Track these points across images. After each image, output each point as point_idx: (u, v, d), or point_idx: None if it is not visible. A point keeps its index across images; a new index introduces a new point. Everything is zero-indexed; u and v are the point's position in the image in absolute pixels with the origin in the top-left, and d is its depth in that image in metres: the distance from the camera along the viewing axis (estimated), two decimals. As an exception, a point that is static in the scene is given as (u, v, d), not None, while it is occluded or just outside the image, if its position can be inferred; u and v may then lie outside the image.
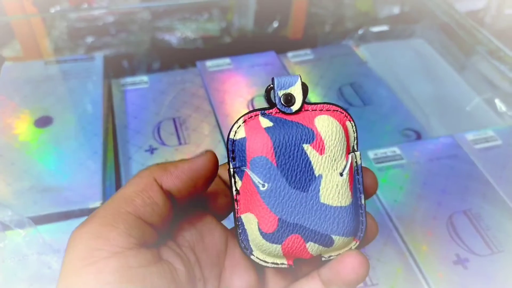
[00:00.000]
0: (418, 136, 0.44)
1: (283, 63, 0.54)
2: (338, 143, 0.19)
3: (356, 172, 0.20)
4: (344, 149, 0.19)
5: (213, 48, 0.72)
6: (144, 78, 0.50)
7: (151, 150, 0.42)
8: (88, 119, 0.41)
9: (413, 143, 0.42)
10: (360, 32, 0.58)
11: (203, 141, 0.43)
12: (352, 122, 0.20)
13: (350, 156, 0.19)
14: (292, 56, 0.55)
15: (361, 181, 0.20)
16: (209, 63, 0.53)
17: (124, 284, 0.15)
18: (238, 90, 0.50)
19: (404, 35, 0.60)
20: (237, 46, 0.71)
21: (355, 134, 0.20)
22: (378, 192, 0.37)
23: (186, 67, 0.56)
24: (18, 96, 0.43)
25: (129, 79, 0.50)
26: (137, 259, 0.15)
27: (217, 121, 0.46)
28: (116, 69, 0.58)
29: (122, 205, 0.17)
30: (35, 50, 0.62)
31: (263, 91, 0.50)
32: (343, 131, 0.19)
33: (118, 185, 0.39)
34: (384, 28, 0.57)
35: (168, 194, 0.18)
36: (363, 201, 0.20)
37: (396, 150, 0.40)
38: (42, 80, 0.45)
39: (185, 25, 0.77)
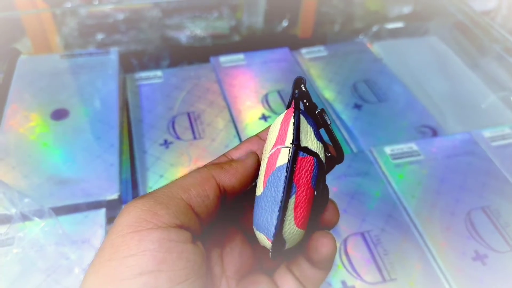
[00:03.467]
0: (434, 133, 0.44)
1: (296, 60, 0.54)
2: (270, 135, 0.20)
3: (288, 165, 0.18)
4: (272, 141, 0.19)
5: (222, 46, 0.72)
6: (158, 73, 0.50)
7: (166, 144, 0.42)
8: (104, 112, 0.41)
9: (430, 139, 0.41)
10: (374, 29, 0.58)
11: (218, 135, 0.43)
12: (296, 117, 0.19)
13: (276, 148, 0.19)
14: (305, 53, 0.55)
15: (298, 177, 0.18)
16: (222, 58, 0.53)
17: (161, 253, 0.16)
18: (252, 86, 0.49)
19: (418, 33, 0.60)
20: (247, 44, 0.71)
21: (309, 128, 0.19)
22: (395, 187, 0.36)
23: (197, 63, 0.56)
24: (33, 89, 0.43)
25: (143, 74, 0.50)
26: (177, 235, 0.16)
27: (231, 116, 0.46)
28: (125, 66, 0.59)
29: (178, 191, 0.18)
30: (45, 46, 0.62)
31: (276, 87, 0.50)
32: (278, 124, 0.19)
33: (133, 179, 0.39)
34: (399, 25, 0.57)
35: (222, 191, 0.19)
36: (280, 198, 0.18)
37: (413, 146, 0.40)
38: (58, 73, 0.45)
39: (195, 23, 0.77)
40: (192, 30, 0.76)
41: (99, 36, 0.71)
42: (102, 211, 0.33)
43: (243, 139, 0.43)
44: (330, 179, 0.37)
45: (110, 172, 0.36)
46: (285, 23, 0.76)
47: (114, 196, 0.34)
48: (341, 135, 0.44)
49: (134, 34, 0.75)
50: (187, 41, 0.76)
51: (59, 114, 0.41)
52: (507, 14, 0.71)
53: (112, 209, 0.34)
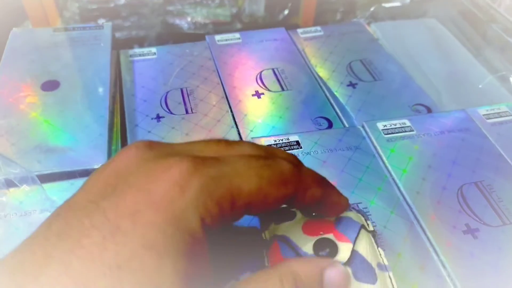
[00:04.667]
0: (429, 112, 0.43)
1: (292, 39, 0.53)
2: None
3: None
4: None
5: (223, 33, 0.71)
6: (153, 49, 0.50)
7: (158, 118, 0.41)
8: (95, 84, 0.41)
9: (424, 115, 0.41)
10: (372, 9, 0.57)
11: (210, 110, 0.43)
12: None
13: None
14: (302, 32, 0.54)
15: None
16: (218, 37, 0.53)
17: None
18: (246, 63, 0.49)
19: (417, 14, 0.59)
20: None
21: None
22: (386, 161, 0.36)
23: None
24: (25, 61, 0.43)
25: (137, 50, 0.50)
26: None
27: (224, 92, 0.45)
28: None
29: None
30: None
31: (271, 65, 0.49)
32: None
33: (123, 150, 0.39)
34: (396, 3, 0.56)
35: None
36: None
37: (406, 122, 0.39)
38: (50, 46, 0.45)
39: (196, 10, 0.77)
40: (193, 17, 0.76)
41: (101, 21, 0.71)
42: (89, 179, 0.33)
43: (235, 114, 0.42)
44: (321, 152, 0.36)
45: (98, 142, 0.36)
46: (286, 12, 0.75)
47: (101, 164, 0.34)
48: (335, 112, 0.43)
49: (135, 20, 0.74)
50: (188, 27, 0.76)
51: (50, 85, 0.40)
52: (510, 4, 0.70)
53: (99, 178, 0.34)
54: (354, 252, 0.21)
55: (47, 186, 0.32)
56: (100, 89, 0.40)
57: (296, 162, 0.21)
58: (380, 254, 0.23)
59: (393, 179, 0.35)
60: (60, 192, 0.32)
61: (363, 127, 0.39)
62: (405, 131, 0.38)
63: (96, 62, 0.43)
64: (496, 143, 0.38)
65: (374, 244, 0.23)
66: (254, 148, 0.20)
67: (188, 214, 0.15)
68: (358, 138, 0.38)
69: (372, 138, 0.38)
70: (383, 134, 0.38)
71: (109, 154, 0.36)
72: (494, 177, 0.35)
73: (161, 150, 0.18)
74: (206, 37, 0.53)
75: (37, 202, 0.31)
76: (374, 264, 0.22)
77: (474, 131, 0.39)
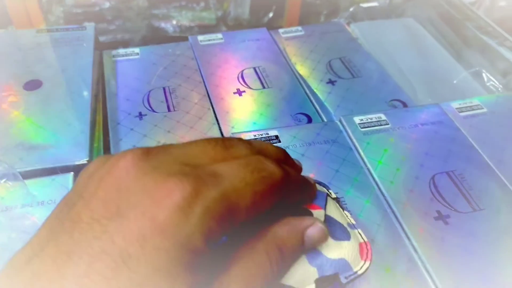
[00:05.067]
0: (405, 107, 0.44)
1: (274, 39, 0.54)
2: None
3: None
4: None
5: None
6: (136, 49, 0.51)
7: (140, 116, 0.42)
8: (77, 84, 0.41)
9: (399, 110, 0.42)
10: (351, 9, 0.59)
11: (192, 108, 0.44)
12: None
13: None
14: (283, 32, 0.55)
15: None
16: (201, 37, 0.53)
17: None
18: (228, 63, 0.50)
19: (395, 14, 0.60)
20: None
21: None
22: (362, 153, 0.37)
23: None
24: (8, 61, 0.43)
25: (120, 51, 0.50)
26: None
27: (206, 90, 0.46)
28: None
29: None
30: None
31: (253, 64, 0.50)
32: None
33: (105, 147, 0.40)
34: (374, 3, 0.58)
35: None
36: None
37: (382, 116, 0.40)
38: (33, 47, 0.45)
39: (182, 14, 0.78)
40: (179, 20, 0.76)
41: (86, 25, 0.71)
42: (70, 175, 0.33)
43: (217, 112, 0.43)
44: (299, 146, 0.37)
45: (80, 139, 0.36)
46: (271, 15, 0.77)
47: (83, 161, 0.35)
48: (314, 108, 0.44)
49: (120, 23, 0.75)
50: (173, 30, 0.77)
51: (32, 85, 0.41)
52: (490, 5, 0.72)
53: (81, 174, 0.35)
54: (327, 217, 0.24)
55: (29, 182, 0.33)
56: (82, 88, 0.41)
57: (284, 158, 0.23)
58: (347, 216, 0.26)
59: (369, 170, 0.36)
60: (41, 188, 0.32)
61: (340, 121, 0.40)
62: (381, 125, 0.40)
63: (78, 62, 0.44)
64: (468, 135, 0.39)
65: (340, 208, 0.26)
66: (248, 148, 0.21)
67: (194, 237, 0.16)
68: (335, 132, 0.39)
69: (349, 132, 0.39)
70: (359, 128, 0.39)
71: (91, 151, 0.36)
72: (465, 167, 0.36)
73: (158, 159, 0.18)
74: (189, 37, 0.54)
75: (19, 198, 0.31)
76: (345, 224, 0.24)
77: (447, 124, 0.40)
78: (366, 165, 0.36)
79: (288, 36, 0.55)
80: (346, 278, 0.23)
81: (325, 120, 0.43)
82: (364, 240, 0.24)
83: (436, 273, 0.29)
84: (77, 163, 0.35)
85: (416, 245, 0.30)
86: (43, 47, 0.45)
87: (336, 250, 0.23)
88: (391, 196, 0.33)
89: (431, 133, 0.39)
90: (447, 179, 0.35)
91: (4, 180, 0.31)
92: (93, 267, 0.15)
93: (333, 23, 0.59)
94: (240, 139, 0.21)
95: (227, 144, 0.20)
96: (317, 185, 0.26)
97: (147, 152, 0.18)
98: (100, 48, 0.50)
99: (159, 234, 0.15)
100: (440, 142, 0.38)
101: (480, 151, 0.38)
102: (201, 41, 0.53)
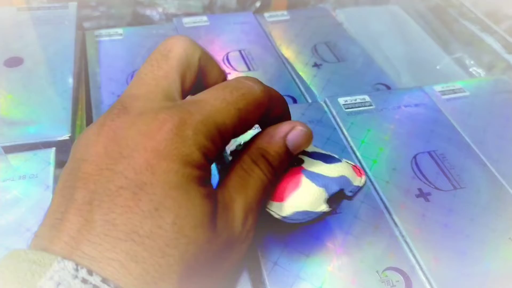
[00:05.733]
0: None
1: (259, 22, 0.54)
2: None
3: None
4: None
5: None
6: (119, 30, 0.50)
7: (124, 96, 0.42)
8: (59, 61, 0.41)
9: (383, 92, 0.43)
10: (336, -5, 0.59)
11: (177, 89, 0.43)
12: None
13: None
14: (268, 16, 0.55)
15: None
16: (186, 19, 0.53)
17: None
18: (213, 45, 0.50)
19: (381, 1, 0.61)
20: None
21: None
22: (346, 133, 0.37)
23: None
24: (-12, 39, 0.42)
25: (103, 31, 0.50)
26: None
27: (191, 71, 0.46)
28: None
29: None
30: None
31: (238, 47, 0.50)
32: None
33: (88, 125, 0.39)
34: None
35: None
36: None
37: (366, 97, 0.41)
38: (14, 25, 0.44)
39: (167, 1, 0.77)
40: (165, 8, 0.75)
41: (68, 4, 0.70)
42: (52, 150, 0.33)
43: (202, 93, 0.43)
44: (284, 125, 0.37)
45: (62, 115, 0.36)
46: (258, 4, 0.76)
47: (65, 137, 0.34)
48: (299, 90, 0.44)
49: (104, 10, 0.74)
50: (159, 18, 0.76)
51: (13, 62, 0.40)
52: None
53: (63, 151, 0.34)
54: (314, 152, 0.28)
55: (10, 156, 0.32)
56: (64, 66, 0.40)
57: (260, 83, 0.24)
58: (332, 154, 0.29)
59: (352, 149, 0.36)
60: (23, 162, 0.32)
61: (325, 102, 0.40)
62: (365, 106, 0.40)
63: (60, 40, 0.43)
64: (450, 117, 0.40)
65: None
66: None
67: (193, 154, 0.17)
68: (320, 112, 0.39)
69: (334, 112, 0.39)
70: (343, 109, 0.39)
71: (73, 128, 0.36)
72: (446, 147, 0.37)
73: (138, 107, 0.19)
74: (174, 19, 0.53)
75: (0, 172, 0.31)
76: (335, 155, 0.28)
77: (429, 106, 0.40)
78: (349, 144, 0.36)
79: (274, 20, 0.55)
80: (351, 192, 0.27)
81: (309, 101, 0.43)
82: (352, 164, 0.28)
83: (416, 247, 0.29)
84: (59, 138, 0.34)
85: (397, 220, 0.31)
86: (24, 24, 0.44)
87: (334, 170, 0.26)
88: (374, 174, 0.34)
89: (414, 114, 0.39)
90: (428, 158, 0.36)
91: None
92: (116, 203, 0.16)
93: (319, 8, 0.59)
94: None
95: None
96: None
97: (124, 107, 0.19)
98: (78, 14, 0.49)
99: (164, 159, 0.17)
100: (422, 123, 0.39)
101: (461, 132, 0.38)
102: (185, 23, 0.53)
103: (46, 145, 0.33)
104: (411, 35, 0.55)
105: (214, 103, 0.19)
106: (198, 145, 0.18)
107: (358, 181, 0.26)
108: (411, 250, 0.29)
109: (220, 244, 0.18)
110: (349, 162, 0.28)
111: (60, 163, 0.34)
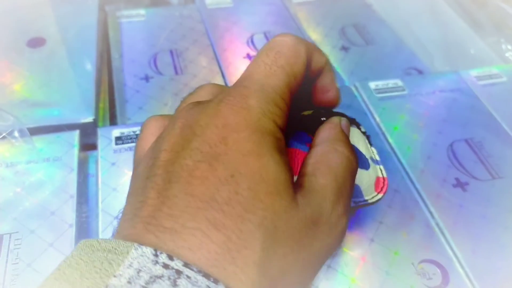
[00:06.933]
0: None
1: (285, 4, 0.52)
2: None
3: None
4: None
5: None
6: (141, 11, 0.49)
7: (147, 79, 0.41)
8: (82, 42, 0.40)
9: (416, 76, 0.41)
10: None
11: (200, 72, 0.42)
12: None
13: None
14: (294, -3, 0.53)
15: None
16: (208, 0, 0.51)
17: None
18: (237, 27, 0.48)
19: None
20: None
21: None
22: (378, 119, 0.36)
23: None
24: (11, 19, 0.42)
25: (125, 12, 0.48)
26: None
27: (215, 54, 0.44)
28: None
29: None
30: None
31: (263, 29, 0.48)
32: None
33: (111, 108, 0.38)
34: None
35: None
36: None
37: (398, 82, 0.39)
38: (36, 4, 0.44)
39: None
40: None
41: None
42: (76, 132, 0.32)
43: (226, 76, 0.42)
44: (312, 110, 0.36)
45: (85, 97, 0.35)
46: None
47: (89, 119, 0.33)
48: (327, 74, 0.43)
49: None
50: (178, 1, 0.74)
51: (36, 42, 0.39)
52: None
53: (87, 133, 0.33)
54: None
55: (34, 138, 0.31)
56: (87, 47, 0.39)
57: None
58: (373, 152, 0.26)
59: (384, 135, 0.35)
60: (47, 145, 0.31)
61: (355, 86, 0.39)
62: (397, 91, 0.38)
63: (82, 20, 0.42)
64: (487, 103, 0.38)
65: (368, 143, 0.26)
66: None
67: (262, 122, 0.17)
68: (349, 97, 0.38)
69: (364, 97, 0.37)
70: (374, 94, 0.38)
71: (96, 110, 0.35)
72: (484, 135, 0.35)
73: (199, 106, 0.19)
74: (196, 0, 0.52)
75: (24, 154, 0.30)
76: (367, 157, 0.25)
77: (465, 92, 0.39)
78: (381, 131, 0.35)
79: (300, 1, 0.53)
80: (355, 203, 0.24)
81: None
82: (383, 176, 0.25)
83: (454, 239, 0.28)
84: (83, 121, 0.33)
85: (433, 211, 0.29)
86: (46, 4, 0.44)
87: None
88: (408, 162, 0.32)
89: (449, 100, 0.38)
90: (465, 146, 0.34)
91: (10, 134, 0.30)
92: (193, 175, 0.16)
93: (346, -11, 0.57)
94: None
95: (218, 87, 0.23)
96: (347, 119, 0.26)
97: (197, 102, 0.20)
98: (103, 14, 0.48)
99: (234, 131, 0.17)
100: (458, 110, 0.37)
101: (499, 119, 0.36)
102: (208, 4, 0.51)
103: (70, 127, 0.33)
104: (443, 17, 0.53)
105: (258, 71, 0.19)
106: (263, 111, 0.18)
107: (370, 195, 0.24)
108: (448, 242, 0.28)
109: (302, 219, 0.17)
110: (381, 171, 0.26)
111: (84, 146, 0.33)
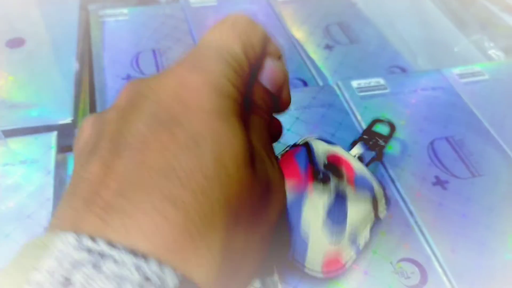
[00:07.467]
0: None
1: (269, 3, 0.52)
2: None
3: None
4: None
5: None
6: (124, 10, 0.48)
7: (128, 79, 0.40)
8: (62, 43, 0.39)
9: (398, 75, 0.41)
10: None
11: (183, 71, 0.42)
12: None
13: None
14: (279, -4, 0.53)
15: None
16: (193, -1, 0.51)
17: None
18: (221, 26, 0.48)
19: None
20: None
21: None
22: (359, 118, 0.36)
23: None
24: (-11, 18, 0.41)
25: (108, 11, 0.48)
26: None
27: (198, 53, 0.44)
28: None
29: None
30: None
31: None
32: None
33: (92, 108, 0.38)
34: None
35: None
36: None
37: (381, 80, 0.39)
38: (16, 4, 0.43)
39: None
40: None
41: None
42: (54, 134, 0.32)
43: (209, 75, 0.41)
44: (294, 109, 0.36)
45: (64, 98, 0.34)
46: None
47: (67, 120, 0.33)
48: (310, 73, 0.43)
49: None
50: (166, 1, 0.74)
51: (15, 43, 0.39)
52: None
53: (65, 134, 0.33)
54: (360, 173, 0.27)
55: (11, 140, 0.31)
56: (67, 47, 0.39)
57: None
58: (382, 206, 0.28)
59: (365, 134, 0.34)
60: (23, 146, 0.31)
61: (337, 85, 0.39)
62: (379, 89, 0.38)
63: (63, 20, 0.41)
64: (469, 101, 0.38)
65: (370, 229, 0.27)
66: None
67: (222, 83, 0.16)
68: (332, 96, 0.38)
69: (346, 96, 0.37)
70: (357, 92, 0.38)
71: (76, 111, 0.35)
72: (465, 133, 0.35)
73: (146, 78, 0.17)
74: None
75: (0, 156, 0.30)
76: (352, 239, 0.25)
77: (447, 90, 0.39)
78: (363, 129, 0.35)
79: (285, 0, 0.53)
80: (292, 259, 0.23)
81: (321, 84, 0.41)
82: (344, 261, 0.24)
83: (433, 238, 0.28)
84: (61, 122, 0.33)
85: (413, 209, 0.29)
86: (27, 4, 0.43)
87: (354, 212, 0.25)
88: (388, 160, 0.32)
89: (431, 98, 0.38)
90: (446, 144, 0.34)
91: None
92: (145, 141, 0.14)
93: (332, -13, 0.56)
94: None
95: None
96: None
97: (138, 81, 0.17)
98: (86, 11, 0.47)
99: (193, 89, 0.15)
100: (439, 108, 0.37)
101: (480, 117, 0.36)
102: (193, 3, 0.51)
103: (48, 128, 0.32)
104: (428, 15, 0.53)
105: (214, 38, 0.18)
106: (223, 73, 0.16)
107: (311, 267, 0.23)
108: (427, 241, 0.28)
109: (260, 189, 0.15)
110: (380, 194, 0.26)
111: (62, 148, 0.33)
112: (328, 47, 0.46)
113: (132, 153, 0.14)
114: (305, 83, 0.42)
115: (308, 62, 0.44)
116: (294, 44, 0.46)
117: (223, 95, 0.15)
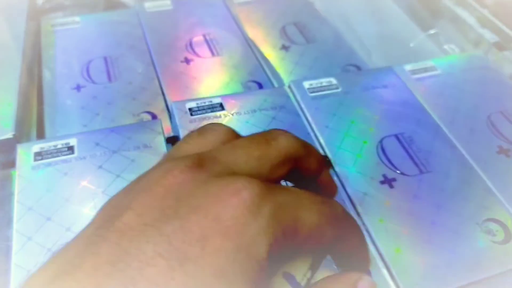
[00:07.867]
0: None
1: (226, 5, 0.52)
2: None
3: None
4: None
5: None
6: (76, 18, 0.47)
7: (78, 88, 0.40)
8: (6, 54, 0.38)
9: (350, 73, 0.41)
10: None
11: (136, 78, 0.41)
12: None
13: None
14: (235, -2, 0.53)
15: None
16: (148, 3, 0.50)
17: None
18: (177, 31, 0.47)
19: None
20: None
21: None
22: (310, 119, 0.35)
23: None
24: None
25: (59, 20, 0.47)
26: None
27: (152, 60, 0.43)
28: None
29: None
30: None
31: (202, 31, 0.48)
32: None
33: (39, 122, 0.37)
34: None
35: None
36: None
37: (333, 80, 0.39)
38: (-41, 16, 0.42)
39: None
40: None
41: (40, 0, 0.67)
42: (-7, 150, 0.31)
43: (163, 81, 0.41)
44: (244, 113, 0.36)
45: (6, 112, 0.34)
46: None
47: (8, 135, 0.32)
48: (266, 75, 0.42)
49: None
50: (133, 4, 0.73)
51: (-44, 56, 0.38)
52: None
53: (5, 150, 0.32)
54: None
55: None
56: (12, 58, 0.38)
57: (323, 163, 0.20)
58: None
59: (316, 135, 0.34)
60: (-39, 165, 0.30)
61: (289, 86, 0.38)
62: (331, 89, 0.38)
63: (8, 31, 0.40)
64: (420, 97, 0.38)
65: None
66: (293, 142, 0.19)
67: (259, 240, 0.14)
68: (283, 98, 0.37)
69: (298, 97, 0.37)
70: (308, 93, 0.38)
71: (19, 126, 0.34)
72: (415, 129, 0.35)
73: (213, 169, 0.16)
74: (135, 4, 0.51)
75: None
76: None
77: (398, 86, 0.39)
78: (313, 131, 0.35)
79: (240, 1, 0.52)
80: None
81: (276, 85, 0.41)
82: None
83: (379, 238, 0.28)
84: (1, 137, 0.32)
85: (360, 210, 0.29)
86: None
87: None
88: (338, 162, 0.32)
89: (382, 96, 0.38)
90: (395, 142, 0.34)
91: None
92: (143, 274, 0.12)
93: (289, -13, 0.56)
94: (283, 134, 0.19)
95: (269, 138, 0.18)
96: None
97: (200, 162, 0.16)
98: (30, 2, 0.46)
99: (221, 234, 0.13)
100: (390, 105, 0.37)
101: (431, 113, 0.36)
102: (148, 8, 0.50)
103: (-12, 144, 0.32)
104: (384, 11, 0.53)
105: (300, 195, 0.16)
106: (269, 231, 0.14)
107: None
108: (372, 240, 0.28)
109: None
110: None
111: (4, 164, 0.32)
112: (284, 47, 0.46)
113: (124, 281, 0.13)
114: (260, 86, 0.41)
115: (264, 64, 0.44)
116: (250, 46, 0.46)
117: (249, 257, 0.14)
